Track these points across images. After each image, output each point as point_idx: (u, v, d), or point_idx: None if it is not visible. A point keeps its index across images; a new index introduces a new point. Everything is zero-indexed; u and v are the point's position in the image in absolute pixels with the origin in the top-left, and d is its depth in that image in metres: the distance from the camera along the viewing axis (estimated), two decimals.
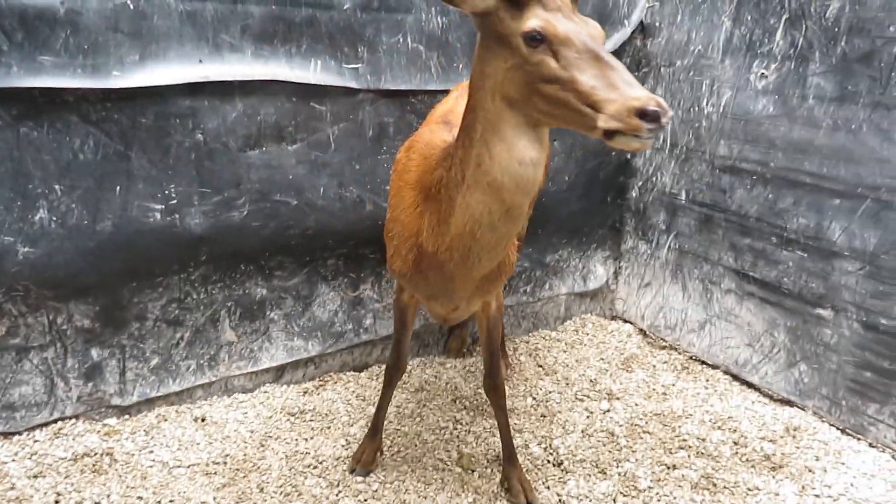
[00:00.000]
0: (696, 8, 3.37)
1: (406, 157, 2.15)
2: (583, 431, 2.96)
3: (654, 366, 3.58)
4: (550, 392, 3.27)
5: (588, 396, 3.25)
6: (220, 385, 3.04)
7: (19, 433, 2.68)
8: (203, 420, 2.88)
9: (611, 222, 3.98)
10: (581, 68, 1.47)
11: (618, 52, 3.55)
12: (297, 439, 2.80)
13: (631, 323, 4.04)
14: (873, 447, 2.90)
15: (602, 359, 3.64)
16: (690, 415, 3.11)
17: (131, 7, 2.39)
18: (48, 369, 2.67)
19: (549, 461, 2.76)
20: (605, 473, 2.70)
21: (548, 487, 2.62)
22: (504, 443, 2.57)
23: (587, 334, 3.91)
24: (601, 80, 1.45)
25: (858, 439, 2.95)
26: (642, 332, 3.95)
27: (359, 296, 3.26)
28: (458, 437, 2.89)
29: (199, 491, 2.48)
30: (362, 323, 3.30)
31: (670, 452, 2.84)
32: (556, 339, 3.84)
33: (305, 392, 3.15)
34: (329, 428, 2.89)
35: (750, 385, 3.37)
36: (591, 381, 3.38)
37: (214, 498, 2.45)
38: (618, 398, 3.23)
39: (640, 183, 3.86)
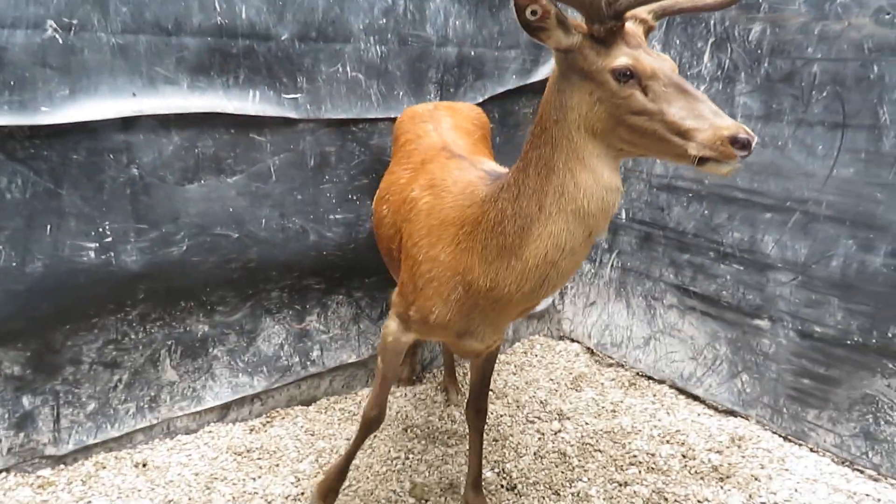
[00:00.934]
0: None
1: (432, 196, 2.11)
2: (535, 453, 2.96)
3: (603, 384, 3.62)
4: (502, 416, 3.27)
5: (539, 418, 3.26)
6: (161, 427, 2.93)
7: None
8: (144, 465, 2.77)
9: None
10: (669, 100, 1.56)
11: None
12: (244, 479, 2.71)
13: (578, 342, 4.09)
14: (814, 452, 3.00)
15: (551, 379, 3.66)
16: (639, 430, 3.15)
17: (60, 41, 2.32)
18: None
19: (502, 485, 2.75)
20: (558, 495, 2.70)
21: None
22: (473, 469, 2.56)
23: (536, 355, 3.94)
24: (688, 110, 1.54)
25: (800, 445, 3.05)
26: (590, 350, 4.00)
27: (305, 328, 3.20)
28: (410, 466, 2.85)
29: None
30: (309, 355, 3.24)
31: (621, 469, 2.87)
32: (506, 362, 3.85)
33: (252, 430, 3.06)
34: (277, 465, 2.81)
35: (695, 398, 3.45)
36: (541, 402, 3.40)
37: None
38: (568, 418, 3.25)
39: None
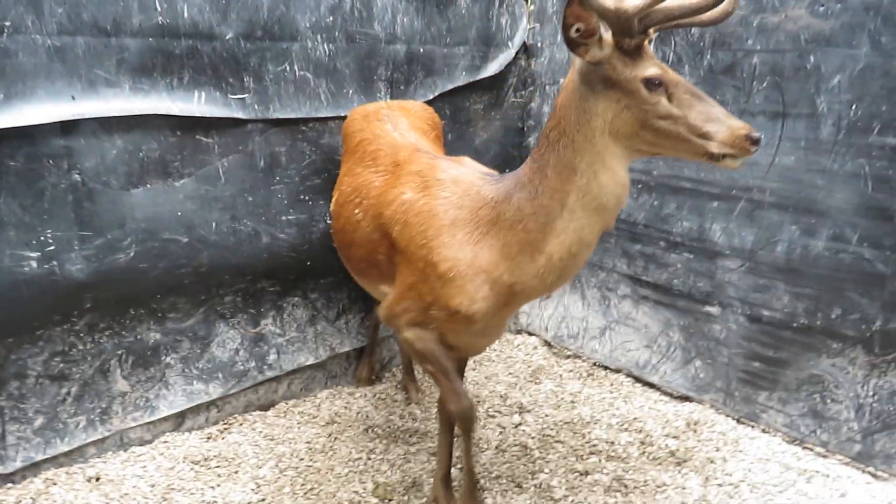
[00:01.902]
0: None
1: (430, 198, 2.14)
2: (497, 447, 2.98)
3: (561, 375, 3.66)
4: None
5: (499, 412, 3.28)
6: (114, 440, 2.85)
7: None
8: (97, 479, 2.68)
9: None
10: (690, 105, 1.77)
11: (504, 72, 3.66)
12: (202, 489, 2.66)
13: (536, 335, 4.13)
14: (766, 433, 3.08)
15: (510, 373, 3.68)
16: (598, 420, 3.20)
17: None
18: None
19: None
20: (520, 487, 2.72)
21: None
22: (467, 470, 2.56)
23: (494, 350, 3.96)
24: (706, 114, 1.77)
25: (752, 427, 3.13)
26: (547, 343, 4.03)
27: (260, 332, 3.16)
28: (372, 467, 2.84)
29: None
30: (266, 359, 3.20)
31: (582, 459, 2.91)
32: None
33: (209, 437, 3.00)
34: (237, 473, 2.76)
35: (651, 385, 3.51)
36: (501, 396, 3.42)
37: None
38: (528, 411, 3.28)
39: None
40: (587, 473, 2.80)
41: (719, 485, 2.74)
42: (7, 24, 2.24)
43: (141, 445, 2.91)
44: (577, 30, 1.73)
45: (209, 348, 3.02)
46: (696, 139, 1.77)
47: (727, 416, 3.21)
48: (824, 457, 2.90)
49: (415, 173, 2.28)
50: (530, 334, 4.15)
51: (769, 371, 3.04)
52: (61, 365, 2.64)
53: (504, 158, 3.79)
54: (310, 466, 2.82)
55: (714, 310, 3.18)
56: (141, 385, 2.86)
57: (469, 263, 2.05)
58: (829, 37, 2.65)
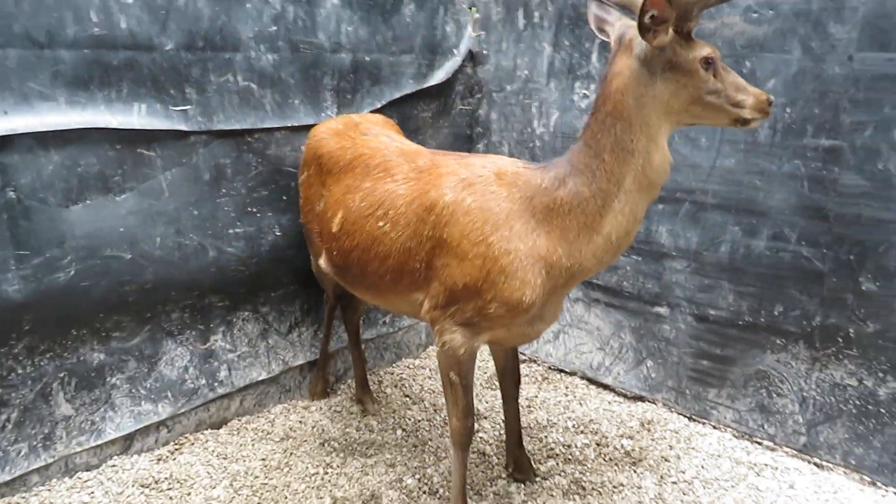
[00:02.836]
0: (519, 36, 3.56)
1: (477, 194, 2.19)
2: None
3: None
4: (420, 421, 3.26)
5: None
6: (59, 466, 2.74)
7: None
8: None
9: None
10: (725, 79, 2.00)
11: (451, 80, 3.67)
12: None
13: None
14: (716, 429, 3.15)
15: None
16: (555, 423, 3.22)
17: None
18: None
19: (424, 491, 2.74)
20: (480, 495, 2.72)
21: None
22: (516, 432, 2.80)
23: None
24: (736, 86, 2.01)
25: (703, 423, 3.20)
26: None
27: (210, 348, 3.08)
28: (329, 481, 2.80)
29: None
30: (216, 376, 3.12)
31: (540, 463, 2.92)
32: (420, 367, 3.85)
33: (159, 459, 2.91)
34: (189, 494, 2.69)
35: (605, 386, 3.56)
36: None
37: None
38: (486, 417, 3.28)
39: None
40: (546, 478, 2.82)
41: (674, 482, 2.79)
42: None
43: (88, 471, 2.81)
44: (653, 16, 1.85)
45: (157, 367, 2.93)
46: (733, 108, 2.01)
47: (679, 414, 3.28)
48: (772, 450, 2.99)
49: (444, 175, 2.31)
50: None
51: (717, 369, 3.12)
52: (0, 390, 2.54)
53: None
54: (265, 484, 2.76)
55: (663, 310, 3.25)
56: (86, 408, 2.76)
57: (528, 253, 2.12)
58: (762, 42, 2.74)
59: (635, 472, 2.86)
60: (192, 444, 3.03)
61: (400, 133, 2.94)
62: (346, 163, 2.67)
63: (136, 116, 2.62)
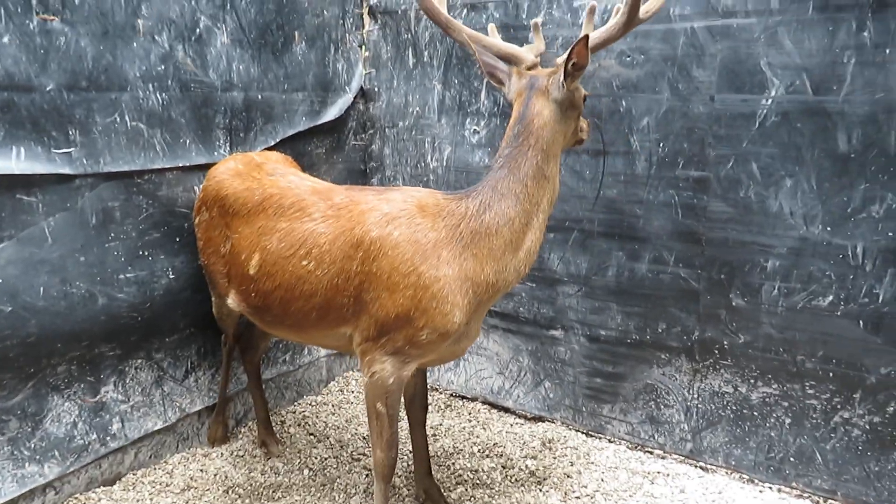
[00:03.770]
0: (410, 73, 3.67)
1: (402, 227, 2.30)
2: (365, 491, 2.97)
3: None
4: (326, 458, 3.23)
5: (364, 454, 3.27)
6: None
7: None
8: None
9: None
10: None
11: (344, 117, 3.71)
12: None
13: None
14: (612, 442, 3.34)
15: None
16: (461, 450, 3.30)
17: None
18: None
19: None
20: None
21: None
22: (425, 460, 2.85)
23: (352, 392, 3.94)
24: None
25: (600, 438, 3.38)
26: None
27: (100, 400, 2.92)
28: None
29: None
30: (108, 430, 2.96)
31: (449, 490, 2.98)
32: (323, 403, 3.81)
33: None
34: None
35: (506, 409, 3.68)
36: (363, 438, 3.41)
37: None
38: None
39: None
40: None
41: (577, 497, 2.93)
42: None
43: None
44: (574, 63, 2.21)
45: (42, 425, 2.74)
46: (581, 133, 2.55)
47: (577, 430, 3.44)
48: (663, 458, 3.20)
49: (371, 210, 2.37)
50: None
51: (610, 385, 3.31)
52: None
53: None
54: None
55: (558, 333, 3.42)
56: None
57: (456, 276, 2.27)
58: (636, 83, 2.99)
59: (541, 490, 2.98)
60: None
61: (300, 170, 2.95)
62: (254, 204, 2.64)
63: (15, 161, 2.47)
